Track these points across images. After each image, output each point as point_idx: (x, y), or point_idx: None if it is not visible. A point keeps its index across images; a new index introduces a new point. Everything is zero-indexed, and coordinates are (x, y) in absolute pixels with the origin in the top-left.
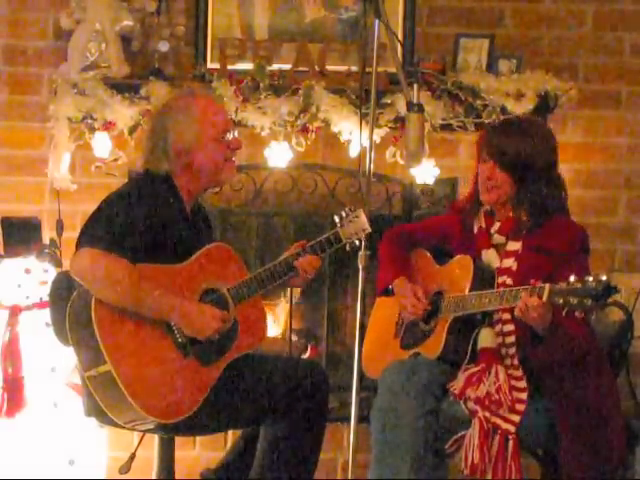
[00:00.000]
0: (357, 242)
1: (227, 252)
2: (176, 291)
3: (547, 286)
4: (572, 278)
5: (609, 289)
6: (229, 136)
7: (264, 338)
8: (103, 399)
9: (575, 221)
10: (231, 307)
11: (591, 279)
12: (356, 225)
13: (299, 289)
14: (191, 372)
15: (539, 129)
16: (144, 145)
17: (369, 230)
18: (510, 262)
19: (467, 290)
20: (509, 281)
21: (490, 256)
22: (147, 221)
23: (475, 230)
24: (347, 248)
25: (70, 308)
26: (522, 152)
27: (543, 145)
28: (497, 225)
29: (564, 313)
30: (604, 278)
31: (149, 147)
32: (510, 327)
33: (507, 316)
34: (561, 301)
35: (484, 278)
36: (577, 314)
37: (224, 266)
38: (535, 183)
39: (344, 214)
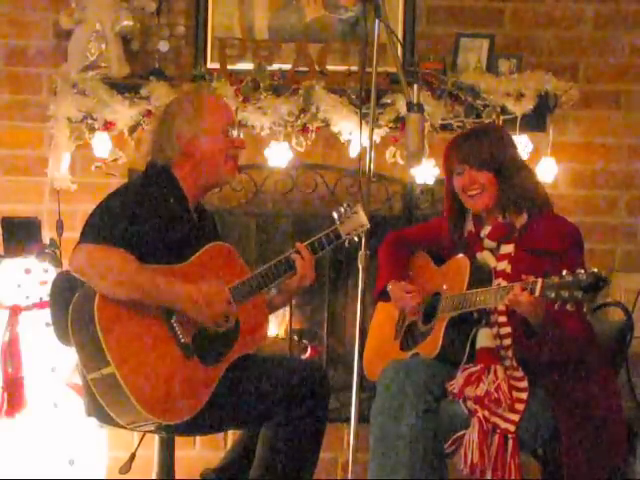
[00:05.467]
0: (356, 238)
1: (228, 251)
2: None
3: (540, 280)
4: (564, 272)
5: (599, 280)
6: (233, 132)
7: (265, 338)
8: (106, 400)
9: (566, 218)
10: (233, 306)
11: (582, 272)
12: (355, 221)
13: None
14: (194, 373)
15: (492, 128)
16: (149, 139)
17: (368, 226)
18: (504, 265)
19: (464, 289)
20: (504, 284)
21: (486, 256)
22: (148, 218)
23: (465, 234)
24: (346, 244)
25: (72, 309)
26: (489, 147)
27: (503, 140)
28: (487, 229)
29: (556, 307)
30: (595, 270)
31: (154, 138)
32: (507, 329)
33: (503, 318)
34: (553, 295)
35: (482, 277)
36: (569, 307)
37: (225, 265)
38: (515, 176)
39: (342, 210)
